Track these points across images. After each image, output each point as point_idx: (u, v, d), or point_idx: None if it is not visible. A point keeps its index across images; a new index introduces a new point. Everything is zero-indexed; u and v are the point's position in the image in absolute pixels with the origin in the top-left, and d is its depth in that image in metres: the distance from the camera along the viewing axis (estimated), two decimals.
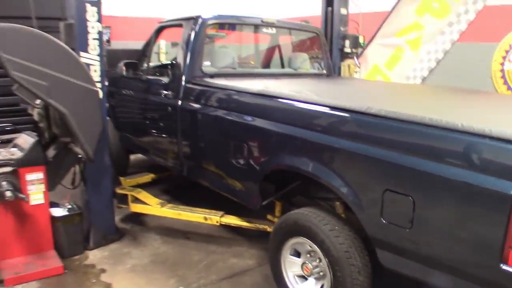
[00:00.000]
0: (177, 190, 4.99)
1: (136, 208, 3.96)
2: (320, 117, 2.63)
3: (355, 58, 5.24)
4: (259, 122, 2.95)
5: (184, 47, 3.76)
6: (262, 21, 4.13)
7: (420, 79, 5.65)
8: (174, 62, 4.19)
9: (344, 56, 5.16)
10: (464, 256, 2.03)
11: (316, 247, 2.67)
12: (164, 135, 4.05)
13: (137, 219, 4.23)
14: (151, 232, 4.04)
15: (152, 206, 3.87)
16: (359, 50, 5.51)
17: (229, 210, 3.72)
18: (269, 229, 3.45)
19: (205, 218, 3.65)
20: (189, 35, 3.73)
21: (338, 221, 2.67)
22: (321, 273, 2.75)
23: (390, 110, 2.30)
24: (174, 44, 4.66)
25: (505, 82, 4.81)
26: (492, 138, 1.90)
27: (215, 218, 3.62)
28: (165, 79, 3.98)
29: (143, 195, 3.98)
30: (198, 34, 3.72)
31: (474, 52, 5.02)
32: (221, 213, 3.66)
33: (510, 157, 1.84)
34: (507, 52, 4.78)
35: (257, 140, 3.03)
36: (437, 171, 2.03)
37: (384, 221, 2.29)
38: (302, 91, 3.12)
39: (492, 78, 4.91)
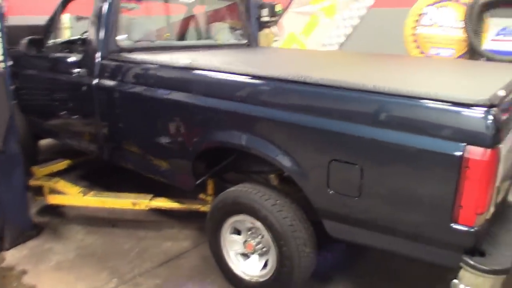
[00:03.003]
0: (96, 176, 4.64)
1: (54, 199, 3.61)
2: (259, 89, 2.50)
3: (274, 26, 5.16)
4: (193, 98, 2.74)
5: (96, 20, 3.40)
6: None
7: (337, 46, 5.70)
8: (84, 37, 3.82)
9: (262, 25, 5.05)
10: (415, 218, 2.07)
11: (258, 223, 2.60)
12: (79, 117, 3.70)
13: (55, 210, 3.85)
14: (72, 223, 3.71)
15: (72, 195, 3.54)
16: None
17: (155, 192, 3.51)
18: (202, 209, 3.33)
19: (133, 204, 3.42)
20: (102, 7, 3.38)
21: (279, 195, 2.62)
22: (264, 249, 2.71)
23: (330, 78, 2.24)
24: (79, 18, 4.26)
25: (418, 46, 5.01)
26: (439, 100, 1.92)
27: (144, 202, 3.40)
28: (76, 56, 3.61)
29: (62, 184, 3.63)
30: (112, 5, 3.38)
31: (388, 18, 5.15)
32: (149, 196, 3.44)
33: (458, 120, 1.88)
34: (419, 16, 4.96)
35: (191, 117, 2.83)
36: (385, 138, 2.02)
37: (331, 192, 2.26)
38: (233, 62, 2.98)
39: (405, 42, 5.09)
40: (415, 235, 2.11)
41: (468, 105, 1.86)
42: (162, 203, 3.40)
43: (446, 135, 1.90)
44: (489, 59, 4.40)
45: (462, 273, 2.01)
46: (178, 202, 3.39)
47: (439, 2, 4.77)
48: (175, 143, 2.94)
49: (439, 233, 2.02)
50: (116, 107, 3.32)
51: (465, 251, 2.00)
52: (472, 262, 1.97)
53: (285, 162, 2.39)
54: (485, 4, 4.37)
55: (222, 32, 4.31)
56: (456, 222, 1.94)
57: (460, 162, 1.85)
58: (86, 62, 3.46)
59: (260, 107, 2.44)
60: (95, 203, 3.50)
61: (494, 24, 4.47)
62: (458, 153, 1.85)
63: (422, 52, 4.97)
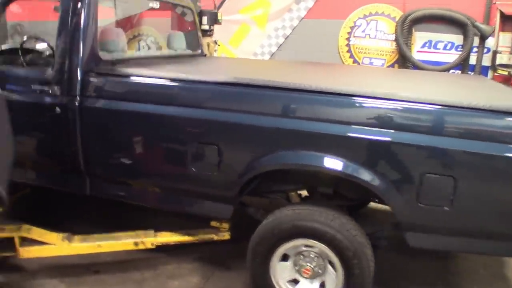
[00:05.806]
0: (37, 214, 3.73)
1: (30, 252, 2.84)
2: (354, 108, 2.37)
3: (213, 36, 4.89)
4: (259, 120, 2.46)
5: (71, 27, 2.80)
6: None
7: (268, 55, 5.67)
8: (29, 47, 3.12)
9: (202, 34, 4.73)
10: (507, 220, 2.22)
11: (320, 245, 2.48)
12: (45, 145, 3.00)
13: (7, 266, 3.02)
14: (40, 277, 2.97)
15: (55, 245, 2.84)
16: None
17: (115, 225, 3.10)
18: (216, 238, 3.03)
19: (136, 243, 2.91)
20: (77, 11, 2.79)
21: (339, 214, 2.54)
22: (319, 271, 2.59)
23: (420, 95, 2.27)
24: None
25: (351, 56, 5.31)
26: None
27: (148, 240, 2.92)
28: (42, 71, 2.91)
29: (37, 232, 2.84)
30: (90, 9, 2.82)
31: (321, 28, 5.33)
32: (151, 232, 2.98)
33: None
34: (352, 28, 5.25)
35: (252, 139, 2.55)
36: (478, 149, 2.14)
37: (421, 205, 2.28)
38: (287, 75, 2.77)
39: (339, 52, 5.34)
40: (505, 234, 2.27)
41: None
42: (170, 237, 2.97)
43: None
44: (418, 68, 4.91)
45: None
46: (187, 234, 3.01)
47: (370, 16, 5.14)
48: (215, 169, 2.59)
49: None
50: (113, 131, 2.80)
51: None
52: None
53: (375, 182, 2.32)
54: (413, 19, 4.87)
55: (181, 42, 3.93)
56: None
57: None
58: (60, 78, 2.82)
59: (347, 126, 2.32)
60: (87, 250, 2.88)
61: (419, 37, 5.00)
62: None
63: (355, 62, 5.29)
